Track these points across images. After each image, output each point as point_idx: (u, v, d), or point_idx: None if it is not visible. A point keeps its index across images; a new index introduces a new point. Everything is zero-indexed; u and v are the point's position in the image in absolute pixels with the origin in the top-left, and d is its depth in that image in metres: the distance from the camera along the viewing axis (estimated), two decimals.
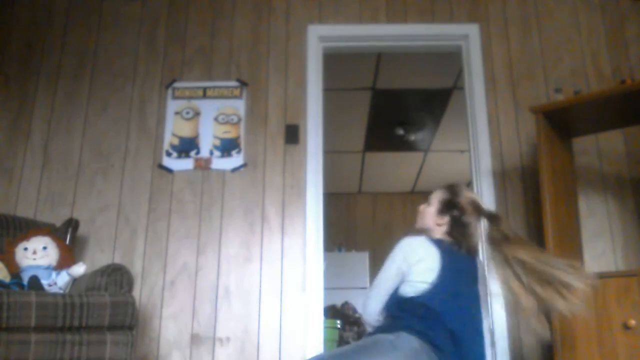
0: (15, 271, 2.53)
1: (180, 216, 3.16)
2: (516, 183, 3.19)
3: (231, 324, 2.98)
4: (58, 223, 2.94)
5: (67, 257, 2.67)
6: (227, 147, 3.28)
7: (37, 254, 2.58)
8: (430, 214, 2.11)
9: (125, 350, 2.27)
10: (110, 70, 3.44)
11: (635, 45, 3.35)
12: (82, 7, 3.56)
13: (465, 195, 2.09)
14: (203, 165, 3.25)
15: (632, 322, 2.25)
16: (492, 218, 2.04)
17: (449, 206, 2.07)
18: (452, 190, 2.12)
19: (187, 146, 3.29)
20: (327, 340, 3.88)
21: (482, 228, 2.11)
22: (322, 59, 3.45)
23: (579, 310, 1.79)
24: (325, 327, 3.71)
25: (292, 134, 3.28)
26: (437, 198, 2.13)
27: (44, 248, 2.60)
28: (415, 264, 1.94)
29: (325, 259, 3.21)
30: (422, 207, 2.16)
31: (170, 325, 2.98)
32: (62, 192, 3.20)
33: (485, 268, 2.19)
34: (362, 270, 7.04)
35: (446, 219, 2.06)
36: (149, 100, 3.38)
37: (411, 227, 2.15)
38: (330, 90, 3.66)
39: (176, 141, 3.30)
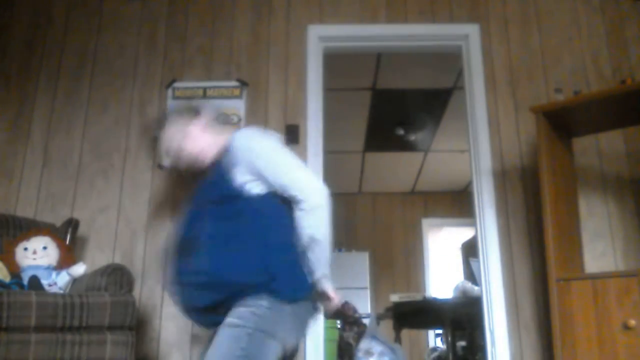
0: (15, 271, 2.53)
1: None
2: (516, 183, 3.19)
3: None
4: (58, 223, 2.94)
5: (67, 257, 2.67)
6: None
7: (37, 254, 2.57)
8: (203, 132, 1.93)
9: (125, 350, 2.27)
10: (110, 70, 3.44)
11: (635, 45, 3.35)
12: (82, 8, 3.56)
13: None
14: None
15: (632, 322, 2.25)
16: None
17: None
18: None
19: None
20: (327, 340, 3.87)
21: None
22: (322, 59, 3.45)
23: None
24: (325, 327, 3.70)
25: (292, 134, 3.28)
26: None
27: (44, 248, 2.60)
28: None
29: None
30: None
31: (170, 325, 2.98)
32: (62, 192, 3.20)
33: None
34: (362, 270, 7.04)
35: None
36: (149, 101, 3.38)
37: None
38: (330, 90, 3.66)
39: None
